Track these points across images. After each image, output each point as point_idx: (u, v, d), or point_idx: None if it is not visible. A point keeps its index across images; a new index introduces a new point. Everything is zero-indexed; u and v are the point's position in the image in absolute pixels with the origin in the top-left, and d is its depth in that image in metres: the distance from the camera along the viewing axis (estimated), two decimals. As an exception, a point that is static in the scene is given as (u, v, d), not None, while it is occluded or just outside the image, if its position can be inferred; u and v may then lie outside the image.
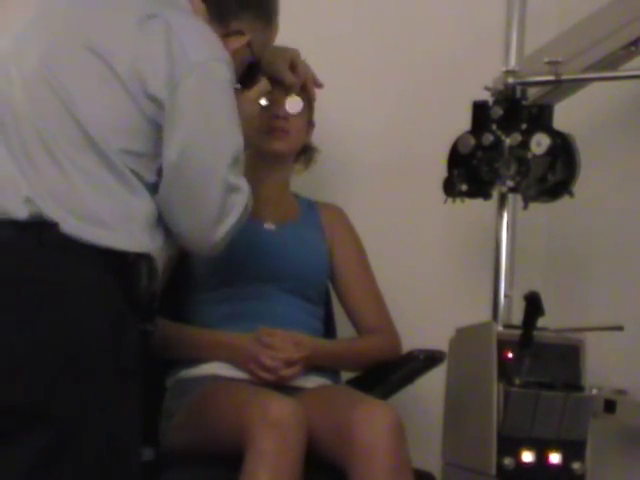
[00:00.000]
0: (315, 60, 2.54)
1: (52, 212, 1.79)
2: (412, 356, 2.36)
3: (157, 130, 1.88)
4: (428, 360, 2.35)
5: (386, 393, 2.35)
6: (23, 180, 1.82)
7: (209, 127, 1.90)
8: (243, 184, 1.95)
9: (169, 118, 1.86)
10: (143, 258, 1.86)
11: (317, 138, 2.57)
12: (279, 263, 2.37)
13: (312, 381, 2.30)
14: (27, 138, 1.85)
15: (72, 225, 1.79)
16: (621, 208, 2.78)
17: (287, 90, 2.40)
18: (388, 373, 2.37)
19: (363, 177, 2.87)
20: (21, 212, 1.80)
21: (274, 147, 2.43)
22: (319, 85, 2.50)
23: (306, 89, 2.46)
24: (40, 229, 1.79)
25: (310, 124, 2.50)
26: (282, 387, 2.22)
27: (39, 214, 1.79)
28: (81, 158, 1.83)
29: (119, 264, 1.82)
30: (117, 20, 1.90)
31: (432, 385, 2.46)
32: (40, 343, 1.72)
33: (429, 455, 2.41)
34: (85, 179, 1.83)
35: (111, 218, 1.83)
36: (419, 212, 2.86)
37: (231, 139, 1.92)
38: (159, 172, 1.90)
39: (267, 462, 1.95)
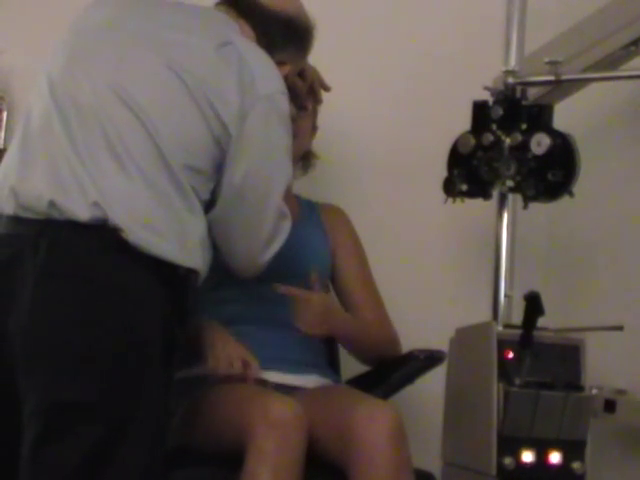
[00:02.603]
0: (315, 60, 2.54)
1: (118, 218, 1.80)
2: (412, 356, 2.36)
3: (219, 151, 1.93)
4: (428, 360, 2.35)
5: (386, 393, 2.35)
6: (91, 184, 1.81)
7: (271, 157, 1.99)
8: (288, 212, 2.04)
9: (236, 145, 1.93)
10: (192, 273, 1.91)
11: (317, 138, 2.57)
12: (280, 263, 2.36)
13: (312, 381, 2.30)
14: (93, 138, 1.84)
15: (133, 232, 1.80)
16: (621, 208, 2.78)
17: (296, 96, 2.41)
18: (388, 373, 2.37)
19: (363, 177, 2.88)
20: (84, 214, 1.79)
21: None
22: (327, 88, 2.50)
23: (313, 92, 2.46)
24: (102, 232, 1.79)
25: (314, 128, 2.50)
26: (282, 387, 2.22)
27: (104, 219, 1.79)
28: (148, 167, 1.84)
29: (170, 276, 1.86)
30: (197, 44, 1.93)
31: (432, 385, 2.46)
32: (100, 343, 1.75)
33: (429, 455, 2.41)
34: (149, 189, 1.84)
35: (168, 231, 1.85)
36: (419, 212, 2.86)
37: (286, 168, 2.02)
38: (212, 192, 1.95)
39: (267, 462, 1.95)
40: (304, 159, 2.55)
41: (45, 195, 1.80)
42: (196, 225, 1.91)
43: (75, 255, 1.79)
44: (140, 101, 1.86)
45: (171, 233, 1.85)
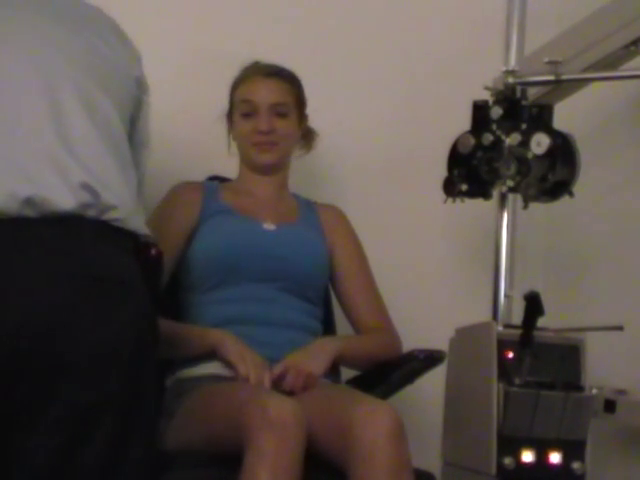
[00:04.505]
0: (315, 60, 2.54)
1: (109, 197, 1.75)
2: (412, 356, 2.36)
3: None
4: (428, 360, 2.35)
5: (386, 393, 2.35)
6: (75, 164, 1.74)
7: None
8: None
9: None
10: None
11: (318, 139, 2.57)
12: (278, 263, 2.37)
13: (312, 381, 2.30)
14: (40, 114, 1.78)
15: (123, 210, 1.77)
16: (621, 208, 2.78)
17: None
18: (388, 373, 2.37)
19: (363, 177, 2.88)
20: (68, 201, 1.72)
21: (262, 160, 2.45)
22: None
23: None
24: (84, 220, 1.74)
25: (302, 118, 2.50)
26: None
27: (89, 202, 1.73)
28: (96, 146, 1.80)
29: (146, 257, 1.84)
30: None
31: (432, 385, 2.46)
32: (119, 341, 1.72)
33: (429, 455, 2.41)
34: (109, 164, 1.80)
35: (138, 205, 1.83)
36: (419, 212, 2.86)
37: None
38: None
39: (267, 462, 1.95)
40: (304, 138, 2.54)
41: (19, 192, 1.69)
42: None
43: (73, 252, 1.73)
44: (79, 86, 1.83)
45: (134, 208, 1.83)
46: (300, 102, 2.49)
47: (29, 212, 1.71)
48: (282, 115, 2.44)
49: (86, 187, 1.74)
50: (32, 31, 1.85)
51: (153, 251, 1.86)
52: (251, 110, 2.44)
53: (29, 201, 1.70)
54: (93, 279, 1.73)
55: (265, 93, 2.44)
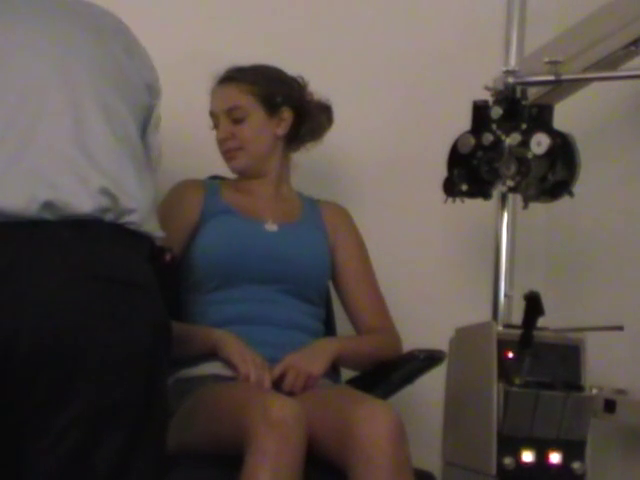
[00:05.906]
0: (316, 60, 2.54)
1: (126, 204, 1.76)
2: (412, 356, 2.36)
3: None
4: (428, 360, 2.35)
5: (386, 393, 2.35)
6: (94, 171, 1.75)
7: None
8: None
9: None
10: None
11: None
12: (279, 265, 2.37)
13: (312, 381, 2.30)
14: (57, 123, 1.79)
15: (139, 218, 1.78)
16: (621, 208, 2.78)
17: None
18: (388, 373, 2.37)
19: (363, 177, 2.88)
20: (86, 205, 1.72)
21: (231, 167, 2.47)
22: None
23: None
24: (102, 224, 1.74)
25: (275, 112, 2.45)
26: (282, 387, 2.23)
27: (107, 207, 1.74)
28: (114, 151, 1.81)
29: (161, 261, 1.86)
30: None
31: (432, 385, 2.46)
32: (137, 343, 1.72)
33: (429, 455, 2.42)
34: (127, 170, 1.81)
35: (149, 208, 1.83)
36: (419, 212, 2.86)
37: None
38: None
39: (267, 462, 1.95)
40: (307, 126, 2.50)
41: (38, 196, 1.70)
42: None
43: (91, 254, 1.73)
44: (95, 87, 1.84)
45: (151, 212, 1.84)
46: (265, 97, 2.43)
47: (48, 215, 1.71)
48: (238, 120, 2.42)
49: (105, 192, 1.74)
50: (55, 37, 1.87)
51: (168, 256, 1.87)
52: (215, 121, 2.45)
53: (48, 204, 1.71)
54: (111, 281, 1.72)
55: (218, 101, 2.45)
